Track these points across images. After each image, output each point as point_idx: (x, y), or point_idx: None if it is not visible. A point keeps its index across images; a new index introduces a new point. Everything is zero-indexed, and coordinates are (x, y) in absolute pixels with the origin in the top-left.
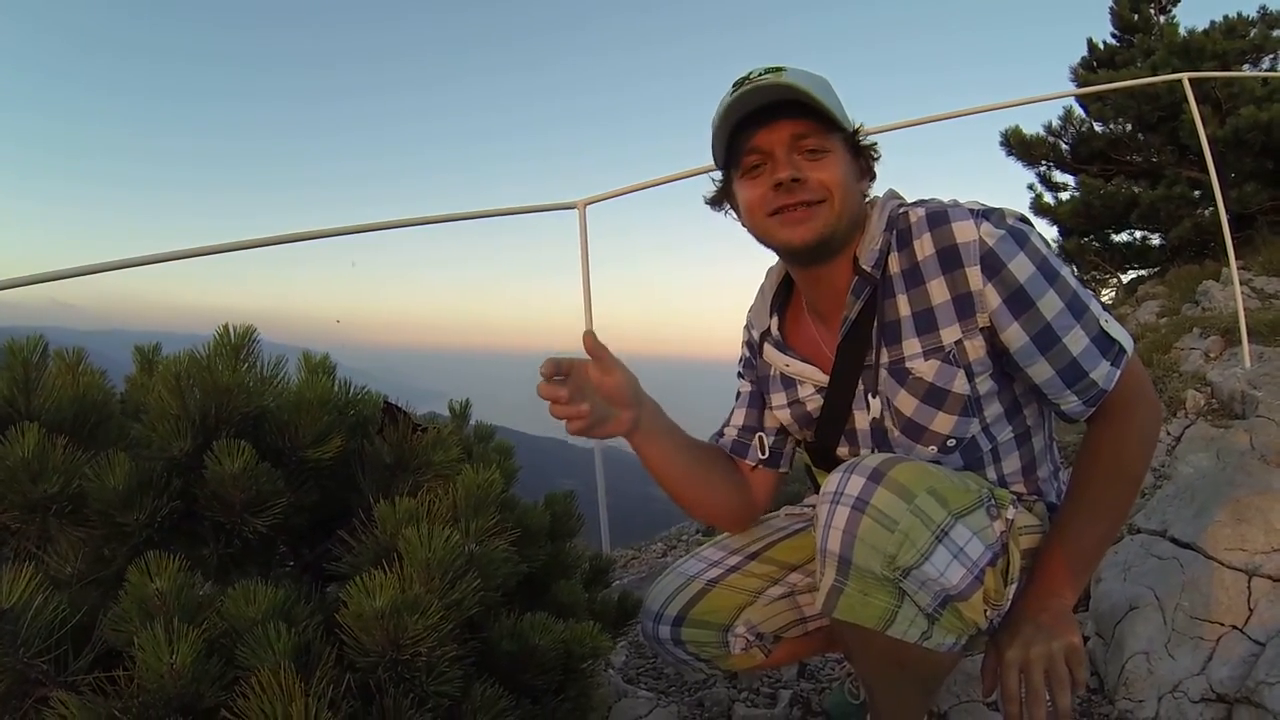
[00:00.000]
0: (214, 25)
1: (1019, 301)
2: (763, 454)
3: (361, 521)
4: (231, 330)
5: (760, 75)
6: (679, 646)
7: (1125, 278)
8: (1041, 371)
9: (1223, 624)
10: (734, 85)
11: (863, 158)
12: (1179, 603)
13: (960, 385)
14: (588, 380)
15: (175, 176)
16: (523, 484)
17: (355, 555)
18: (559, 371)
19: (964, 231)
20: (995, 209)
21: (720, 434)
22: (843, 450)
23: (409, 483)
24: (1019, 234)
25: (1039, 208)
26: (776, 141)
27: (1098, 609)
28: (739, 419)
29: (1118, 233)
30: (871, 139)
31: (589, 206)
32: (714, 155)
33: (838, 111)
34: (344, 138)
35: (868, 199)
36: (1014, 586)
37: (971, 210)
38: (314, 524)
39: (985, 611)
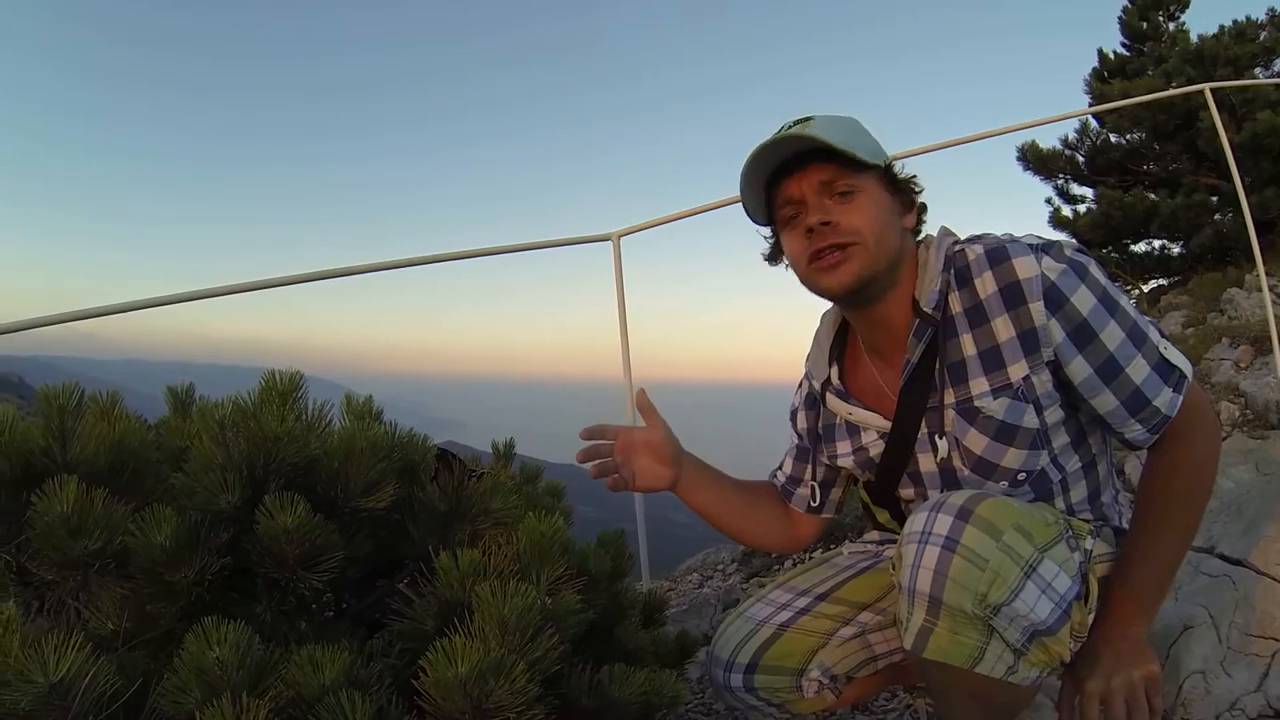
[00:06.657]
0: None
1: (1083, 334)
2: (813, 502)
3: (422, 573)
4: (278, 376)
5: (788, 128)
6: (750, 693)
7: (1146, 287)
8: (1106, 402)
9: (1277, 640)
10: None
11: (902, 192)
12: (1233, 620)
13: (1030, 420)
14: (631, 440)
15: (192, 211)
16: None
17: (417, 609)
18: (600, 435)
19: (1025, 267)
20: (1054, 242)
21: (774, 475)
22: (905, 490)
23: (466, 531)
24: (1079, 266)
25: (1057, 221)
26: (807, 188)
27: (1151, 631)
28: (788, 468)
29: (1136, 243)
30: (910, 171)
31: (623, 238)
32: (750, 212)
33: (865, 150)
34: (369, 169)
35: (919, 236)
36: (1092, 616)
37: (1030, 245)
38: (365, 574)
39: (1070, 645)
